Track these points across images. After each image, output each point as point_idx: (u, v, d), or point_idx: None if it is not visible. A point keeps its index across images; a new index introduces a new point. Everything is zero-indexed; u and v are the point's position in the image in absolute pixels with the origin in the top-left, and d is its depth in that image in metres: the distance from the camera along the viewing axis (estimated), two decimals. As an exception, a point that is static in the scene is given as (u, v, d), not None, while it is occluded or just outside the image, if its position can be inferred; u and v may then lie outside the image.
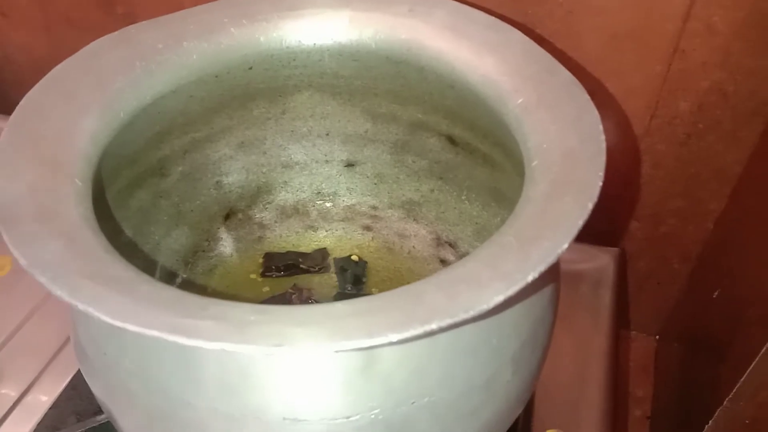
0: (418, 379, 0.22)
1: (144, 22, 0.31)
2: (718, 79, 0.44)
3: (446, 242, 0.41)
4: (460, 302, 0.19)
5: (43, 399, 0.37)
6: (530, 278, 0.19)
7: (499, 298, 0.19)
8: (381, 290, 0.41)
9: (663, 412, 0.54)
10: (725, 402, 0.38)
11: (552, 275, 0.27)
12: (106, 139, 0.28)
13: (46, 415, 0.35)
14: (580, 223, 0.21)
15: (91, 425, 0.33)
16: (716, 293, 0.45)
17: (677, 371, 0.54)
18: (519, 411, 0.28)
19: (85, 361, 0.26)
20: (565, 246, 0.20)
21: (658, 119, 0.47)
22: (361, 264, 0.41)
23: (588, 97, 0.27)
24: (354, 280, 0.40)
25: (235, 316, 0.18)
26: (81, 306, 0.18)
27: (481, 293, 0.19)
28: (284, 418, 0.22)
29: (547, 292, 0.26)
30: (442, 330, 0.18)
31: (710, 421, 0.40)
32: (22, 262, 0.20)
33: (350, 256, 0.41)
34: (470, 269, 0.20)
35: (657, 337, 0.59)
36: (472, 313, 0.18)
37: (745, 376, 0.36)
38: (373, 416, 0.22)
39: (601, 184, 0.23)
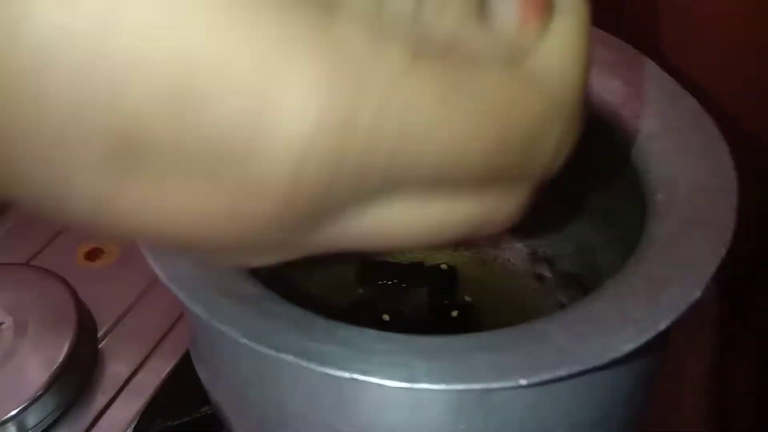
0: (533, 413, 0.22)
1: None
2: None
3: (543, 258, 0.40)
4: (588, 347, 0.18)
5: (144, 388, 0.39)
6: (662, 326, 0.19)
7: (630, 347, 0.18)
8: (473, 302, 0.41)
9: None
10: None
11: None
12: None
13: (150, 402, 0.37)
14: (713, 268, 0.20)
15: (195, 416, 0.35)
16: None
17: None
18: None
19: (202, 363, 0.27)
20: (698, 294, 0.20)
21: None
22: (450, 272, 0.41)
23: (716, 127, 0.26)
24: (443, 289, 0.40)
25: (361, 344, 0.19)
26: (219, 326, 0.19)
27: (611, 339, 0.19)
28: (397, 441, 0.22)
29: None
30: (571, 377, 0.18)
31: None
32: (161, 276, 0.21)
33: (440, 264, 0.41)
34: (597, 310, 0.20)
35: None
36: (603, 361, 0.18)
37: None
38: (484, 446, 0.22)
39: (734, 226, 0.22)
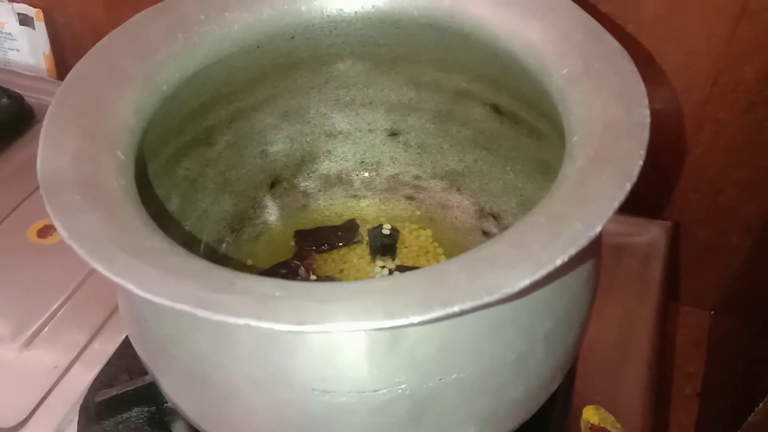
0: (445, 356, 0.22)
1: (186, -7, 0.32)
2: (789, 43, 0.41)
3: (490, 214, 0.40)
4: (483, 284, 0.18)
5: (97, 358, 0.39)
6: (559, 262, 0.19)
7: (525, 282, 0.18)
8: (420, 262, 0.41)
9: (714, 389, 0.52)
10: (777, 385, 0.37)
11: (590, 253, 0.26)
12: (150, 111, 0.29)
13: (101, 372, 0.37)
14: (615, 204, 0.20)
15: (142, 384, 0.35)
16: (775, 271, 0.43)
17: (731, 348, 0.52)
18: (553, 387, 0.28)
19: (130, 325, 0.27)
20: (598, 229, 0.20)
21: (721, 86, 0.44)
22: (393, 234, 0.41)
23: (634, 67, 0.26)
24: (385, 250, 0.40)
25: (260, 291, 0.19)
26: (115, 279, 0.19)
27: (507, 276, 0.19)
28: (313, 389, 0.22)
29: (584, 270, 0.26)
30: (464, 312, 0.18)
31: (761, 404, 0.39)
32: (62, 233, 0.21)
33: (381, 226, 0.41)
34: (497, 250, 0.20)
35: (712, 312, 0.57)
36: (495, 296, 0.18)
37: (800, 359, 0.35)
38: (400, 391, 0.22)
39: (641, 162, 0.22)
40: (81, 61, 0.28)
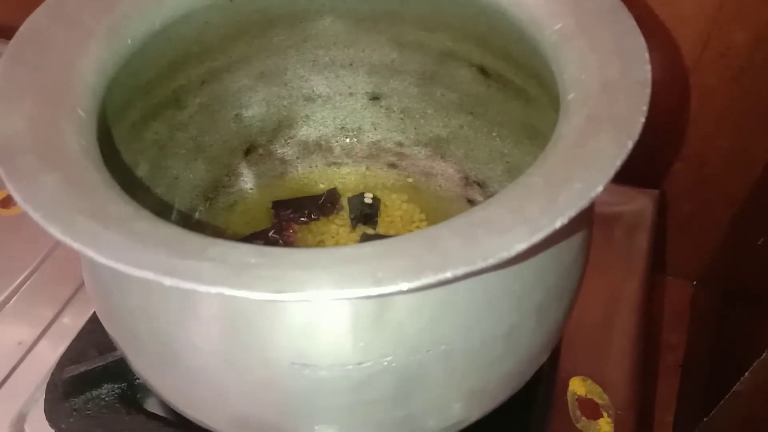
0: (433, 328, 0.21)
1: (152, -60, 0.29)
2: (781, 6, 0.40)
3: (475, 182, 0.39)
4: (478, 249, 0.17)
5: (65, 333, 0.37)
6: (558, 224, 0.18)
7: (522, 246, 0.17)
8: (402, 231, 0.40)
9: (696, 361, 0.52)
10: (764, 354, 0.36)
11: (584, 220, 0.25)
12: (114, 68, 0.26)
13: (69, 347, 0.36)
14: (617, 163, 0.19)
15: (112, 359, 0.33)
16: (761, 240, 0.42)
17: (713, 319, 0.52)
18: (543, 360, 0.27)
19: (95, 298, 0.25)
20: (600, 189, 0.18)
21: (711, 51, 0.43)
22: (375, 203, 0.39)
23: (633, 21, 0.25)
24: (366, 219, 0.39)
25: (235, 258, 0.17)
26: (74, 245, 0.17)
27: (502, 239, 0.17)
28: (293, 363, 0.21)
29: (577, 238, 0.25)
30: (457, 279, 0.16)
31: (746, 373, 0.38)
32: (17, 197, 0.19)
33: (362, 194, 0.40)
34: (491, 213, 0.18)
35: (694, 283, 0.57)
36: (491, 261, 0.17)
37: (787, 328, 0.34)
38: (386, 363, 0.21)
39: (644, 119, 0.20)
40: (34, 14, 0.26)
